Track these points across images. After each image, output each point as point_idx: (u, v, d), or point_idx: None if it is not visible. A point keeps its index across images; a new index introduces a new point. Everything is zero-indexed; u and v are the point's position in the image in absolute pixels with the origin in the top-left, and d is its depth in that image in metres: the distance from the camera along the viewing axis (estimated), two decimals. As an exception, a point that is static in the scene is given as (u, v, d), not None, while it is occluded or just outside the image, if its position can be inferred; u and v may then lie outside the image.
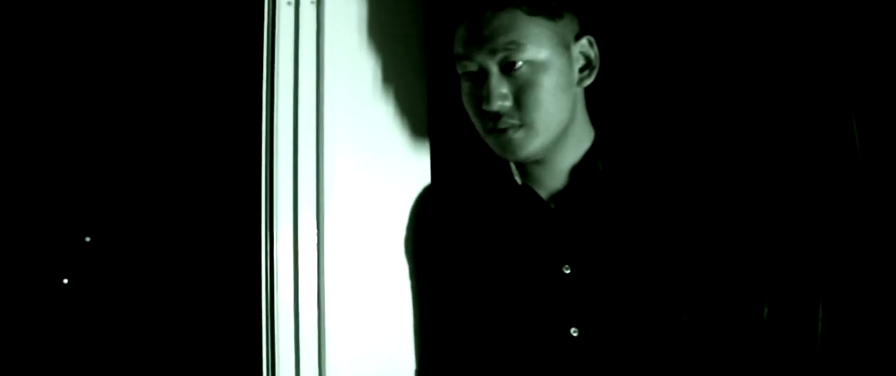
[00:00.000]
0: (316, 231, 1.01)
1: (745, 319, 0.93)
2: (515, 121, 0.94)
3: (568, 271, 0.96)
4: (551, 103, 0.94)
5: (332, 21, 1.05)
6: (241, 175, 1.06)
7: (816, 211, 1.01)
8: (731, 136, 1.09)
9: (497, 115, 0.95)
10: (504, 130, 0.95)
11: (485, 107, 0.94)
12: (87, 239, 1.45)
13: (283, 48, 1.02)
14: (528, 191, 1.02)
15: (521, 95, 0.94)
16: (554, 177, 1.02)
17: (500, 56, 0.94)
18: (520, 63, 0.93)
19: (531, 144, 0.95)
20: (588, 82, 1.00)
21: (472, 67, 0.96)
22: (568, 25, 0.98)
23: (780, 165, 1.05)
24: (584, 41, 0.99)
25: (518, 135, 0.95)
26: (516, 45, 0.93)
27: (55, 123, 1.40)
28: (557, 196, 1.01)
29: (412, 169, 1.13)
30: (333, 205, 1.02)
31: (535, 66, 0.94)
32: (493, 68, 0.95)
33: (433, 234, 1.09)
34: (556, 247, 0.97)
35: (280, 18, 1.02)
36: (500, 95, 0.94)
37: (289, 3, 1.04)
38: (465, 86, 0.99)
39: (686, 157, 1.01)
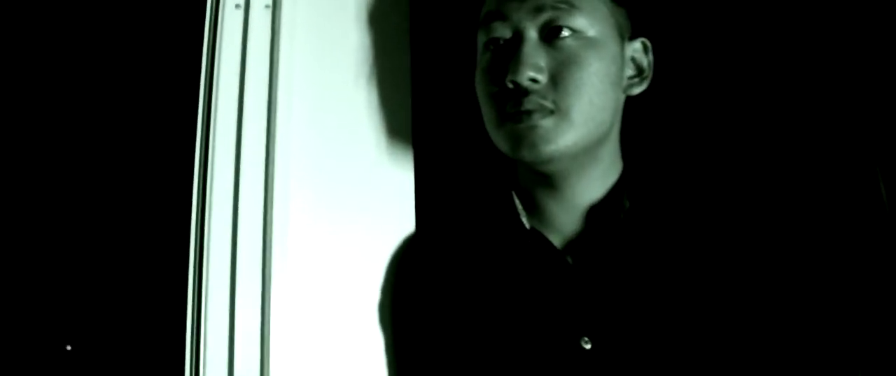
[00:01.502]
0: (260, 296, 0.77)
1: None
2: (547, 103, 0.73)
3: (588, 346, 0.72)
4: (596, 92, 0.73)
5: (291, 30, 0.85)
6: (167, 221, 0.82)
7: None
8: (793, 179, 0.90)
9: (523, 93, 0.73)
10: (529, 114, 0.72)
11: (511, 76, 0.73)
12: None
13: (227, 62, 0.81)
14: (538, 239, 0.79)
15: (561, 72, 0.73)
16: (570, 217, 0.79)
17: (545, 16, 0.74)
18: (567, 32, 0.74)
19: (562, 137, 0.72)
20: (637, 90, 0.80)
21: (503, 31, 0.76)
22: (624, 17, 0.79)
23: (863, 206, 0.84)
24: (637, 44, 0.80)
25: (547, 123, 0.72)
26: (567, 6, 0.74)
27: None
28: (575, 244, 0.78)
29: (390, 212, 0.89)
30: (284, 262, 0.78)
31: (585, 41, 0.74)
32: (532, 32, 0.75)
33: (418, 298, 0.84)
34: (574, 313, 0.74)
35: (224, 25, 0.82)
36: (535, 65, 0.73)
37: (237, 7, 0.83)
38: (484, 59, 0.79)
39: (737, 196, 0.79)
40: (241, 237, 0.78)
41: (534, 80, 0.73)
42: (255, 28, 0.83)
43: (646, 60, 0.81)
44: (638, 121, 0.84)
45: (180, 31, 0.85)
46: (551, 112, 0.73)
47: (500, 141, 0.77)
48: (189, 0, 0.83)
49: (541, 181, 0.80)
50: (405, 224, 0.90)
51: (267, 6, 0.85)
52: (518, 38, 0.75)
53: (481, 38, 0.80)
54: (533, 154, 0.73)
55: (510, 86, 0.73)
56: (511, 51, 0.75)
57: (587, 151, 0.76)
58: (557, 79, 0.73)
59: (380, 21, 0.93)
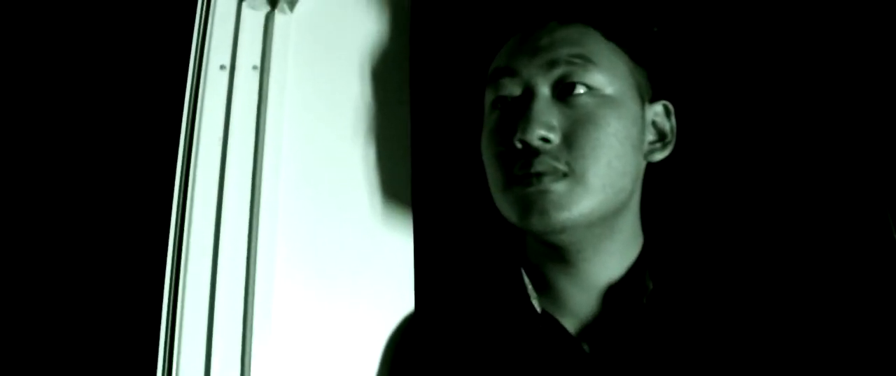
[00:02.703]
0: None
1: None
2: (560, 165, 0.65)
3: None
4: (615, 155, 0.66)
5: (280, 93, 0.78)
6: (138, 305, 0.74)
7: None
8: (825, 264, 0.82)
9: (533, 153, 0.65)
10: (539, 177, 0.65)
11: (519, 135, 0.65)
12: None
13: (209, 127, 0.74)
14: (551, 324, 0.70)
15: (575, 132, 0.66)
16: (586, 298, 0.71)
17: (558, 72, 0.68)
18: (581, 88, 0.67)
19: (576, 204, 0.64)
20: (659, 157, 0.73)
21: (513, 88, 0.70)
22: (644, 78, 0.73)
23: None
24: (658, 107, 0.73)
25: (559, 187, 0.64)
26: (584, 61, 0.67)
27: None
28: (591, 330, 0.69)
29: (387, 290, 0.81)
30: (265, 346, 0.69)
31: (602, 99, 0.67)
32: (544, 89, 0.68)
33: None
34: None
35: (206, 87, 0.75)
36: (546, 123, 0.66)
37: (222, 68, 0.77)
38: (491, 118, 0.72)
39: (768, 278, 0.71)
40: (218, 320, 0.70)
41: (545, 140, 0.66)
42: (240, 91, 0.77)
43: (668, 125, 0.74)
44: (661, 191, 0.76)
45: (161, 94, 0.78)
46: (564, 175, 0.65)
47: (506, 207, 0.69)
48: (171, 61, 0.77)
49: (552, 255, 0.72)
50: (403, 301, 0.81)
51: (254, 67, 0.79)
52: (529, 94, 0.69)
53: (489, 96, 0.73)
54: (543, 222, 0.65)
55: (519, 145, 0.66)
56: (521, 108, 0.68)
57: (604, 221, 0.68)
58: (571, 139, 0.66)
59: (377, 80, 0.87)
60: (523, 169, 0.66)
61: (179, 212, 0.72)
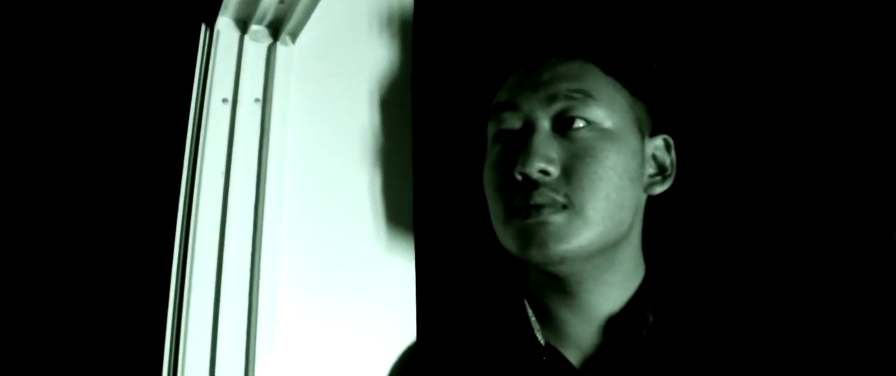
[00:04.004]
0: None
1: None
2: (559, 197, 0.66)
3: None
4: (614, 188, 0.66)
5: (282, 125, 0.79)
6: (139, 336, 0.74)
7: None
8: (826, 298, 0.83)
9: (533, 185, 0.66)
10: (539, 209, 0.65)
11: (520, 168, 0.66)
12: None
13: (211, 160, 0.75)
14: (554, 357, 0.70)
15: (574, 165, 0.66)
16: (587, 329, 0.71)
17: (557, 106, 0.69)
18: (581, 122, 0.68)
19: (575, 236, 0.65)
20: (659, 190, 0.73)
21: (514, 122, 0.71)
22: (644, 112, 0.73)
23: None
24: (658, 141, 0.74)
25: (558, 219, 0.65)
26: (583, 96, 0.68)
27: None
28: (593, 362, 0.70)
29: (390, 320, 0.81)
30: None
31: (601, 132, 0.68)
32: (544, 123, 0.69)
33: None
34: None
35: (209, 121, 0.76)
36: (545, 156, 0.66)
37: (224, 101, 0.78)
38: (493, 151, 0.73)
39: (770, 311, 0.71)
40: (221, 347, 0.70)
41: (544, 173, 0.66)
42: (242, 123, 0.77)
43: (668, 158, 0.75)
44: (661, 224, 0.76)
45: (163, 128, 0.79)
46: (564, 207, 0.66)
47: (506, 239, 0.69)
48: (174, 94, 0.77)
49: (554, 287, 0.72)
50: (405, 331, 0.81)
51: (256, 100, 0.79)
52: (529, 128, 0.70)
53: (491, 129, 0.74)
54: (542, 254, 0.66)
55: (519, 177, 0.67)
56: (521, 141, 0.69)
57: (604, 253, 0.68)
58: (571, 171, 0.67)
59: (380, 111, 0.88)
60: (523, 201, 0.67)
61: (182, 242, 0.72)
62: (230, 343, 0.70)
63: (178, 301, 0.70)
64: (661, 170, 0.74)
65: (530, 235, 0.66)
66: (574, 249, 0.65)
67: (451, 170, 0.93)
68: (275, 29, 0.82)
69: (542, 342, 0.71)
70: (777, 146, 0.96)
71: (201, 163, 0.74)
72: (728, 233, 0.93)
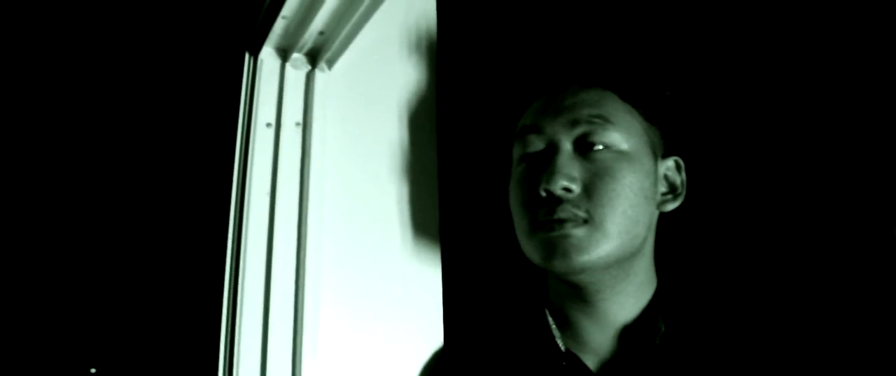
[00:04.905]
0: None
1: None
2: (580, 213, 0.72)
3: None
4: (630, 204, 0.73)
5: (321, 146, 0.85)
6: (197, 323, 0.81)
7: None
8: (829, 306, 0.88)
9: (556, 201, 0.72)
10: (562, 223, 0.72)
11: (544, 185, 0.72)
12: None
13: (258, 179, 0.81)
14: (573, 362, 0.76)
15: (594, 183, 0.73)
16: (604, 337, 0.77)
17: (579, 130, 0.75)
18: (600, 145, 0.74)
19: (595, 248, 0.71)
20: (671, 207, 0.80)
21: (538, 144, 0.77)
22: (657, 136, 0.80)
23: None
24: (670, 162, 0.80)
25: (579, 232, 0.72)
26: (602, 121, 0.75)
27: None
28: (609, 367, 0.76)
29: (419, 328, 0.87)
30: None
31: (618, 154, 0.75)
32: (566, 144, 0.75)
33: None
34: None
35: (255, 144, 0.82)
36: (568, 175, 0.73)
37: (268, 126, 0.84)
38: (518, 171, 0.79)
39: (775, 324, 0.76)
40: (271, 346, 0.77)
41: (567, 190, 0.73)
42: (285, 147, 0.83)
43: (679, 178, 0.81)
44: (673, 239, 0.83)
45: (211, 152, 0.85)
46: (585, 221, 0.72)
47: (531, 250, 0.76)
48: (220, 120, 0.84)
49: (573, 295, 0.78)
50: (433, 336, 0.88)
51: (297, 123, 0.85)
52: (552, 149, 0.76)
53: (517, 151, 0.80)
54: (565, 264, 0.72)
55: (543, 194, 0.73)
56: (545, 161, 0.75)
57: (620, 264, 0.75)
58: (591, 189, 0.73)
59: (407, 132, 0.94)
60: (547, 215, 0.73)
61: (234, 255, 0.79)
62: (279, 345, 0.77)
63: (231, 307, 0.77)
64: (673, 189, 0.81)
65: (554, 247, 0.72)
66: (594, 260, 0.72)
67: (474, 188, 0.99)
68: (313, 57, 0.88)
69: (563, 348, 0.78)
70: (780, 168, 1.01)
71: (249, 183, 0.80)
72: (735, 248, 0.98)
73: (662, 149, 0.80)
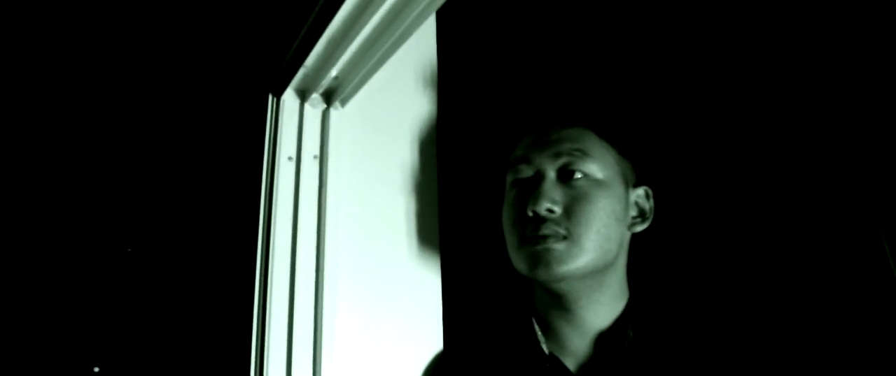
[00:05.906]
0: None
1: None
2: (561, 230, 0.85)
3: None
4: (603, 224, 0.86)
5: (336, 176, 0.97)
6: (229, 353, 0.93)
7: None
8: (787, 309, 0.99)
9: (541, 220, 0.85)
10: (545, 238, 0.85)
11: (531, 206, 0.86)
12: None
13: (282, 206, 0.93)
14: (555, 364, 0.89)
15: (573, 206, 0.86)
16: (582, 341, 0.90)
17: (561, 161, 0.88)
18: (579, 174, 0.88)
19: (573, 261, 0.84)
20: (639, 228, 0.93)
21: (527, 172, 0.90)
22: (629, 168, 0.93)
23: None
24: (640, 191, 0.94)
25: (560, 247, 0.85)
26: (581, 154, 0.88)
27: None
28: (586, 369, 0.88)
29: (421, 335, 1.00)
30: (332, 362, 0.88)
31: (594, 182, 0.88)
32: (551, 173, 0.89)
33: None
34: None
35: (279, 176, 0.95)
36: (551, 199, 0.86)
37: (289, 159, 0.96)
38: (510, 195, 0.92)
39: (727, 330, 0.88)
40: (296, 350, 0.88)
41: (550, 211, 0.86)
42: (305, 176, 0.96)
43: (647, 205, 0.93)
44: (644, 258, 0.95)
45: (238, 183, 0.98)
46: (564, 238, 0.85)
47: (519, 261, 0.88)
48: (247, 155, 0.96)
49: (555, 304, 0.91)
50: (434, 340, 1.00)
51: (315, 156, 0.98)
52: (539, 176, 0.89)
53: (509, 178, 0.93)
54: (548, 273, 0.85)
55: (530, 214, 0.86)
56: (532, 187, 0.88)
57: (594, 275, 0.87)
58: (570, 211, 0.86)
59: (412, 166, 1.06)
60: (533, 232, 0.86)
61: (263, 268, 0.91)
62: (302, 346, 0.89)
63: (261, 312, 0.89)
64: (642, 213, 0.93)
65: (538, 258, 0.85)
66: (571, 270, 0.85)
67: (470, 211, 1.11)
68: (328, 96, 1.00)
69: (547, 351, 0.90)
70: (742, 193, 1.13)
71: (275, 209, 0.93)
72: (700, 266, 1.10)
73: (634, 180, 0.93)
